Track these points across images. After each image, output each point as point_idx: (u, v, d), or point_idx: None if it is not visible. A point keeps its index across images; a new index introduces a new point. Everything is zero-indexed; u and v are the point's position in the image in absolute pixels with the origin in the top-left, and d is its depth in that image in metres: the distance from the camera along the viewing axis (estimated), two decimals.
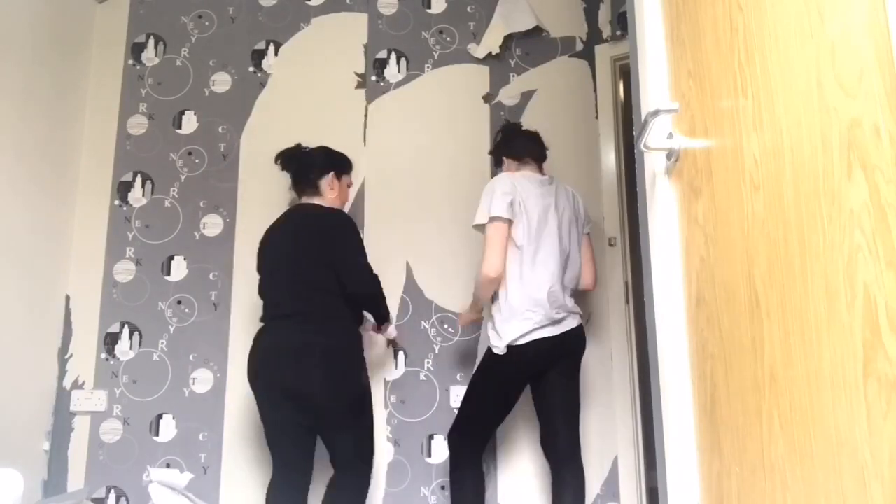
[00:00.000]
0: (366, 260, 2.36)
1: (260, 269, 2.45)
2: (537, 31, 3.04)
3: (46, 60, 2.84)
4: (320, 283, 2.28)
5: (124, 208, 3.02)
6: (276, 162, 2.58)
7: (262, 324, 2.36)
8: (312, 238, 2.32)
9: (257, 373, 2.28)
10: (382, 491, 2.70)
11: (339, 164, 2.56)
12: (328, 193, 2.48)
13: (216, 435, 2.79)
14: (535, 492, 2.65)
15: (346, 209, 2.64)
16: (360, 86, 3.08)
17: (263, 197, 2.99)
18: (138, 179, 3.05)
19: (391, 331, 2.61)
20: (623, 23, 2.95)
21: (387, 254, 2.88)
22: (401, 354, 2.82)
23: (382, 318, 2.51)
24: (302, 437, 2.27)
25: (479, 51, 3.03)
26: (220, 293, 2.91)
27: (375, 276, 2.37)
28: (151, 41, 3.19)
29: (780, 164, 0.89)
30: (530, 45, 3.04)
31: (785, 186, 0.87)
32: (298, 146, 2.61)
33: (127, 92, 3.15)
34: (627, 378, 2.68)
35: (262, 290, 2.41)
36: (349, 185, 2.62)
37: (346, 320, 2.33)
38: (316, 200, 2.47)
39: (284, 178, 3.00)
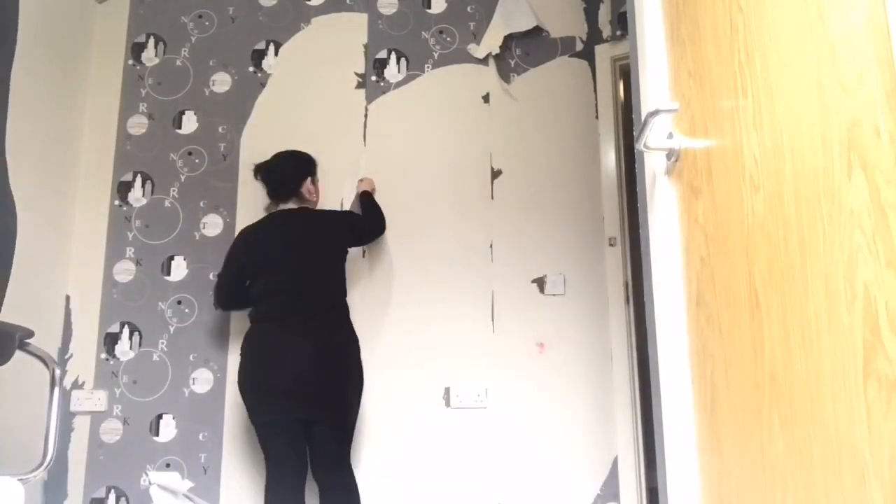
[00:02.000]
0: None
1: (262, 269, 2.50)
2: (537, 31, 3.04)
3: (46, 60, 2.84)
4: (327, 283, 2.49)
5: (124, 208, 3.02)
6: (255, 177, 2.74)
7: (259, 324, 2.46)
8: (319, 238, 2.52)
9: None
10: None
11: (311, 167, 2.73)
12: (310, 198, 2.69)
13: (216, 435, 2.79)
14: None
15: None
16: (360, 86, 3.08)
17: (263, 197, 2.98)
18: (138, 179, 3.05)
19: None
20: (623, 23, 2.95)
21: (386, 253, 2.88)
22: None
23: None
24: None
25: (480, 51, 3.03)
26: None
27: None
28: (151, 41, 3.19)
29: (780, 164, 0.89)
30: (530, 45, 3.04)
31: (785, 186, 0.87)
32: (274, 157, 2.72)
33: (127, 92, 3.15)
34: (627, 378, 2.68)
35: (266, 291, 2.46)
36: (317, 182, 2.78)
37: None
38: (294, 205, 2.63)
39: None
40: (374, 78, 3.08)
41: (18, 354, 2.61)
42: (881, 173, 0.68)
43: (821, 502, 0.80)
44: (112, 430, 2.81)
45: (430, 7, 3.13)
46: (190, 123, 3.09)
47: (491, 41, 3.02)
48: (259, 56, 3.14)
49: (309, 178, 2.67)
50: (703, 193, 1.17)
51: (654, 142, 1.33)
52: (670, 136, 1.32)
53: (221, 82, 3.12)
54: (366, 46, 3.11)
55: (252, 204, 2.99)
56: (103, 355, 2.88)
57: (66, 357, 2.88)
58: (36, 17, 2.78)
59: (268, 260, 2.48)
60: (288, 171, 2.64)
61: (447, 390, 2.76)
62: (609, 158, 2.87)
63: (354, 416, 2.43)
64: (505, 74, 3.03)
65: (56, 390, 1.52)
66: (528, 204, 2.88)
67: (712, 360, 1.13)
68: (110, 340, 2.90)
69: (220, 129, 3.08)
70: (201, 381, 2.83)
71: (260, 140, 3.05)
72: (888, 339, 0.67)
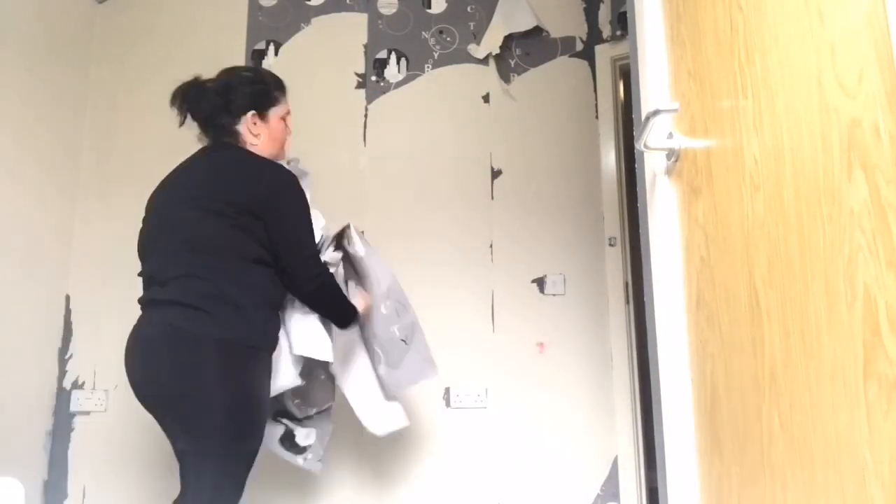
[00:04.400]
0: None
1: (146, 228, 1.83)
2: (537, 31, 3.04)
3: (46, 60, 2.84)
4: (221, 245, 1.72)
5: None
6: (172, 106, 1.89)
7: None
8: (229, 184, 1.75)
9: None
10: None
11: (260, 97, 1.89)
12: (251, 139, 1.87)
13: None
14: None
15: (286, 151, 2.02)
16: (360, 86, 3.08)
17: None
18: None
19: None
20: (623, 23, 2.95)
21: (386, 252, 2.87)
22: None
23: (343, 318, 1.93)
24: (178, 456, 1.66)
25: (480, 51, 3.03)
26: None
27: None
28: None
29: (780, 164, 0.89)
30: (530, 45, 3.04)
31: (785, 186, 0.87)
32: (195, 80, 1.90)
33: None
34: (627, 378, 2.68)
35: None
36: (284, 118, 1.96)
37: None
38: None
39: None
40: (374, 78, 3.08)
41: (20, 356, 2.62)
42: (881, 173, 0.68)
43: (821, 502, 0.80)
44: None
45: (430, 7, 3.13)
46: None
47: (491, 41, 3.02)
48: (259, 56, 3.14)
49: (251, 113, 1.87)
50: (703, 193, 1.17)
51: (654, 142, 1.33)
52: (670, 136, 1.32)
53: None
54: (366, 46, 3.11)
55: None
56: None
57: (66, 357, 2.88)
58: (35, 17, 2.78)
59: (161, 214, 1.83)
60: (210, 100, 1.88)
61: (447, 390, 2.76)
62: (609, 158, 2.87)
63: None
64: (505, 74, 3.03)
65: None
66: (528, 204, 2.88)
67: (712, 359, 1.13)
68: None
69: None
70: None
71: None
72: (888, 339, 0.67)
